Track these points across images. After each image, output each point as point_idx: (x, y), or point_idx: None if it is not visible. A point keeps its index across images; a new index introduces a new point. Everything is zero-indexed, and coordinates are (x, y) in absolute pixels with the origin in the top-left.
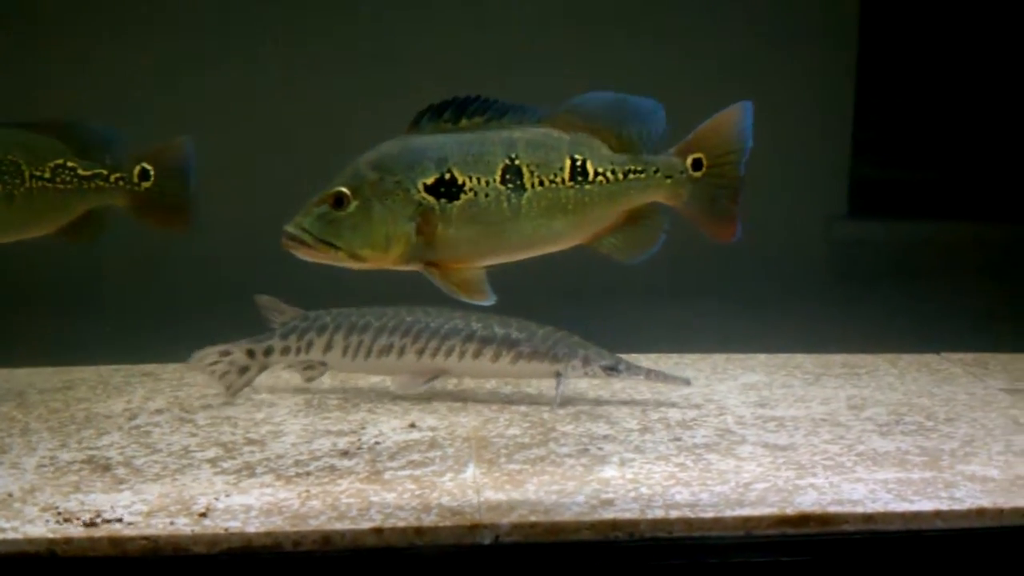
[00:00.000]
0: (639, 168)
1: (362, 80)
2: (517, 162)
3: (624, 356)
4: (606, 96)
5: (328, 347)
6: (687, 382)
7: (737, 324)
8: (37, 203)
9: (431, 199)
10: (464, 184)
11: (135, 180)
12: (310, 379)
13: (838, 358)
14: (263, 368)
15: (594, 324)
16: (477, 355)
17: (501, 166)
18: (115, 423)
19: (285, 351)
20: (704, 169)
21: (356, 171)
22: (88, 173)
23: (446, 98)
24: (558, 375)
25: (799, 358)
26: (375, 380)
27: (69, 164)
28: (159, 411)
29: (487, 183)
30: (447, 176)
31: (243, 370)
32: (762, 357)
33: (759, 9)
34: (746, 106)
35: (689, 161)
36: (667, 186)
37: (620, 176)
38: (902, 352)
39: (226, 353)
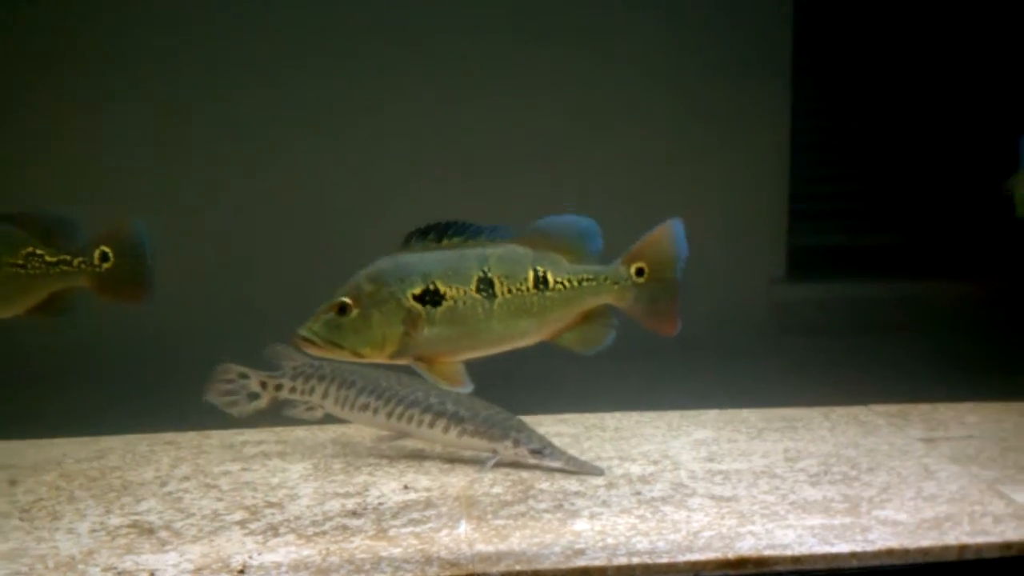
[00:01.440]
0: (591, 277)
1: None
2: (489, 274)
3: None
4: (563, 219)
5: (325, 394)
6: (601, 472)
7: (690, 381)
8: (10, 288)
9: (418, 306)
10: (445, 293)
11: (96, 262)
12: (309, 417)
13: (779, 412)
14: (271, 400)
15: (565, 382)
16: (431, 425)
17: (476, 278)
18: (149, 490)
19: (292, 390)
20: (646, 276)
21: (356, 284)
22: (54, 259)
23: (430, 223)
24: (493, 452)
25: (744, 413)
26: (371, 444)
27: (37, 251)
28: (186, 478)
29: (464, 292)
30: (431, 287)
31: (253, 396)
32: (712, 413)
33: (698, 89)
34: (677, 222)
35: (633, 269)
36: (615, 291)
37: (576, 284)
38: (835, 405)
39: (244, 375)
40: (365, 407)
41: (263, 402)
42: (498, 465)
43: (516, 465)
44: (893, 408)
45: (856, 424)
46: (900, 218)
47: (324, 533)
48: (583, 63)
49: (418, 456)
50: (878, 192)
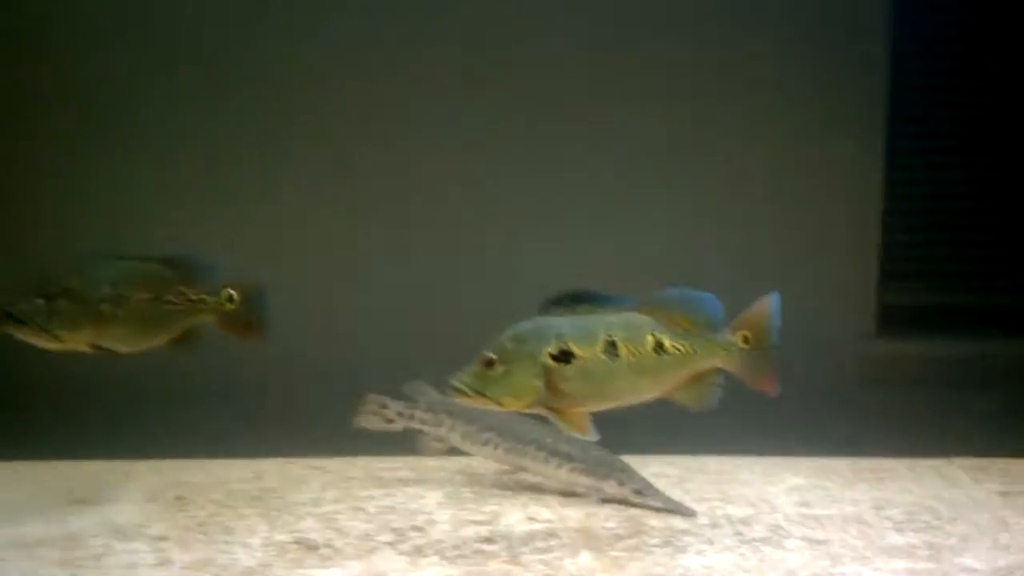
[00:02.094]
0: (702, 343)
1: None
2: (614, 338)
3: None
4: (680, 292)
5: (452, 428)
6: (694, 513)
7: (785, 429)
8: (161, 321)
9: (553, 364)
10: (576, 353)
11: (223, 302)
12: (436, 451)
13: (867, 462)
14: (404, 428)
15: (671, 426)
16: (545, 462)
17: (602, 341)
18: (305, 510)
19: (423, 421)
20: (749, 343)
21: (501, 343)
22: (196, 298)
23: (565, 292)
24: (599, 489)
25: (835, 462)
26: (494, 477)
27: (183, 290)
28: (337, 500)
29: (592, 353)
30: (564, 348)
31: (388, 422)
32: (805, 461)
33: (792, 145)
34: (775, 296)
35: (739, 337)
36: (724, 356)
37: (689, 349)
38: (920, 457)
39: (383, 405)
40: (487, 442)
41: (397, 427)
42: (605, 501)
43: (622, 503)
44: (973, 462)
45: (939, 476)
46: (989, 278)
47: (464, 556)
48: (677, 125)
49: (537, 490)
50: (968, 253)
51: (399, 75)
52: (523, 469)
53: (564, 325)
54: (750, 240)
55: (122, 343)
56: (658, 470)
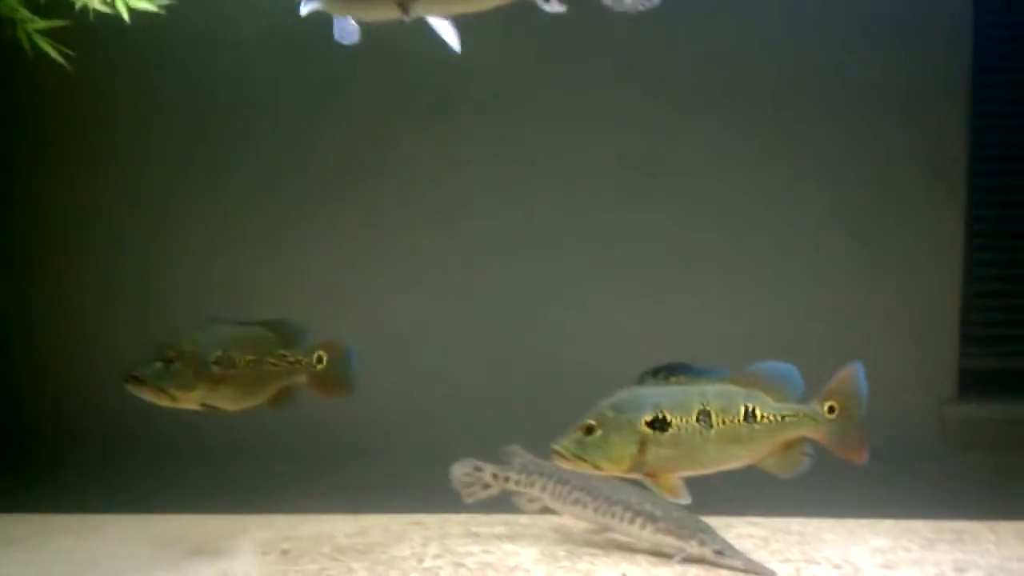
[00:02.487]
0: (792, 413)
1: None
2: (707, 408)
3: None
4: (771, 365)
5: (544, 488)
6: (774, 574)
7: (867, 491)
8: (263, 380)
9: (648, 431)
10: (671, 422)
11: (315, 364)
12: (530, 510)
13: (948, 524)
14: (500, 490)
15: (756, 487)
16: (631, 521)
17: (696, 410)
18: (409, 564)
19: (517, 483)
20: (836, 413)
21: (600, 411)
22: (292, 359)
23: (661, 364)
24: (682, 548)
25: (916, 524)
26: (585, 535)
27: (281, 352)
28: (438, 555)
29: (687, 421)
30: (660, 416)
31: (485, 487)
32: (887, 522)
33: (873, 213)
34: (859, 366)
35: (826, 407)
36: (812, 426)
37: (779, 419)
38: (999, 520)
39: (479, 468)
40: (576, 502)
41: (493, 491)
42: (688, 561)
43: (704, 563)
44: None
45: (1020, 539)
46: None
47: None
48: (765, 199)
49: (626, 548)
50: None
51: (496, 146)
52: (610, 528)
53: (660, 395)
54: (835, 307)
55: (229, 402)
56: (743, 531)
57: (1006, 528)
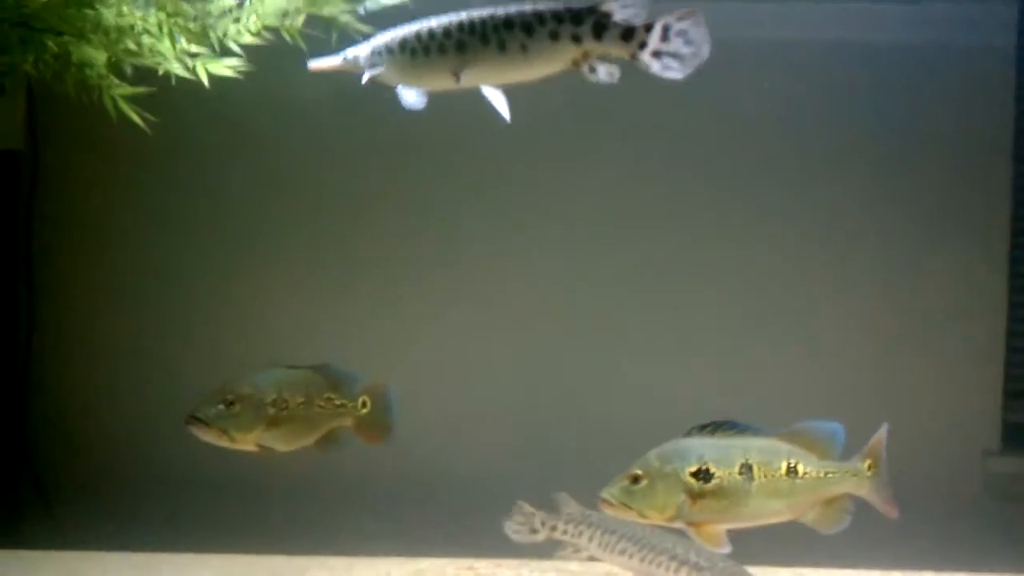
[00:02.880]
0: (834, 470)
1: None
2: (750, 462)
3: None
4: (815, 423)
5: (591, 538)
6: None
7: (909, 542)
8: (313, 423)
9: (693, 481)
10: (715, 473)
11: (359, 408)
12: (575, 558)
13: None
14: (547, 537)
15: (800, 537)
16: (676, 571)
17: (739, 463)
18: None
19: (564, 532)
20: (872, 471)
21: (647, 460)
22: (339, 403)
23: (710, 421)
24: None
25: None
26: None
27: (330, 396)
28: None
29: (730, 473)
30: (704, 468)
31: (532, 532)
32: (928, 575)
33: (917, 266)
34: (885, 427)
35: (866, 464)
36: (854, 482)
37: (822, 475)
38: None
39: (531, 515)
40: (623, 551)
41: (540, 537)
42: None
43: None
44: None
45: None
46: None
47: None
48: (806, 253)
49: None
50: None
51: (541, 187)
52: None
53: (706, 446)
54: (882, 360)
55: (282, 443)
56: None
57: None
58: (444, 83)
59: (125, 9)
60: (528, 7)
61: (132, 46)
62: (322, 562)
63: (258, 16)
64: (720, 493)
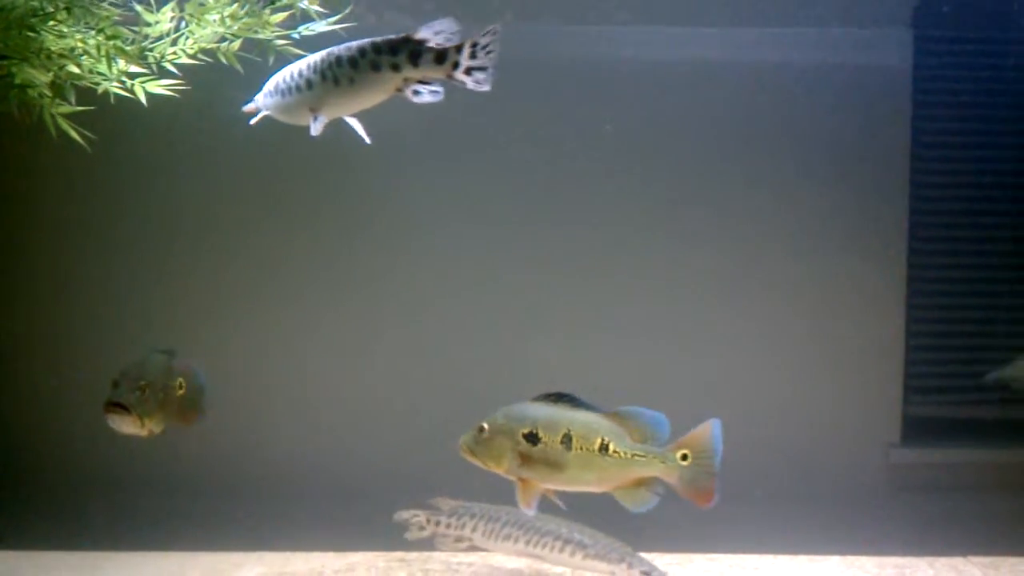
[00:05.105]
0: (643, 454)
1: None
2: (572, 433)
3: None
4: (638, 409)
5: (474, 529)
6: None
7: (818, 528)
8: (171, 405)
9: (524, 442)
10: (541, 438)
11: (177, 390)
12: (459, 548)
13: (891, 560)
14: (432, 533)
15: (712, 525)
16: (561, 550)
17: (563, 433)
18: None
19: (448, 525)
20: (689, 460)
21: (494, 417)
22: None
23: (554, 392)
24: (612, 573)
25: (862, 560)
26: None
27: (180, 380)
28: None
29: (553, 441)
30: (534, 432)
31: (421, 528)
32: (835, 559)
33: (819, 262)
34: (717, 423)
35: (679, 454)
36: (662, 468)
37: (630, 456)
38: (938, 556)
39: (416, 515)
40: (508, 537)
41: (427, 533)
42: None
43: None
44: (986, 560)
45: (955, 572)
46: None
47: None
48: (713, 245)
49: None
50: (984, 369)
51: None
52: (542, 559)
53: (541, 413)
54: (787, 355)
55: (159, 426)
56: (701, 566)
57: (943, 563)
58: (308, 118)
59: (66, 29)
60: (355, 43)
61: (73, 68)
62: (258, 557)
63: (195, 40)
64: (543, 457)
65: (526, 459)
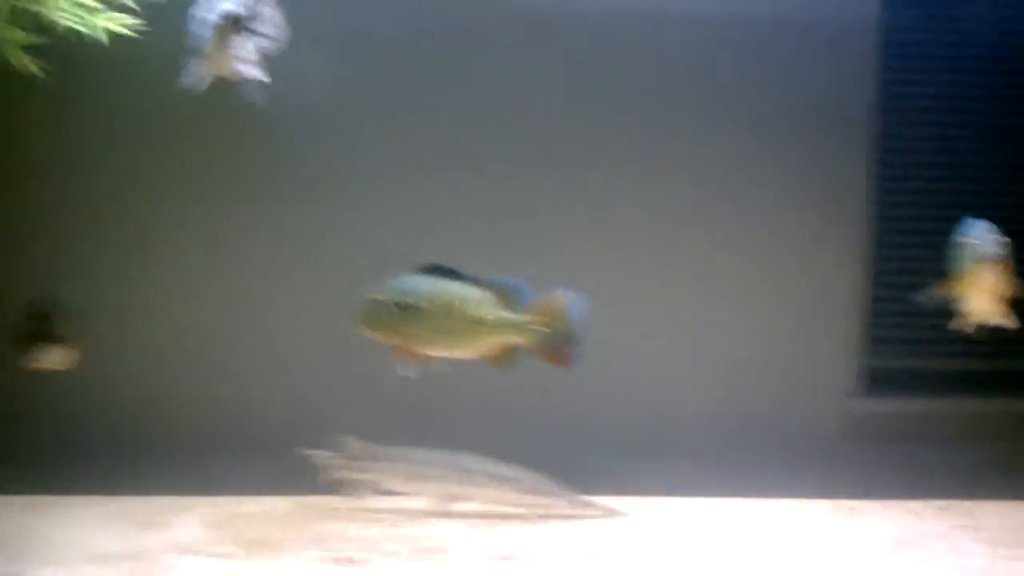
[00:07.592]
0: (504, 320)
1: None
2: (445, 301)
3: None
4: (502, 278)
5: (393, 472)
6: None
7: (773, 474)
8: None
9: (400, 310)
10: (416, 304)
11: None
12: (376, 493)
13: (846, 503)
14: (346, 476)
15: (669, 467)
16: (486, 486)
17: (439, 302)
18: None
19: (363, 470)
20: (549, 327)
21: (379, 286)
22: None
23: (438, 264)
24: (545, 506)
25: (820, 503)
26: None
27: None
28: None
29: (429, 308)
30: (412, 300)
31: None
32: (789, 502)
33: (778, 207)
34: (578, 296)
35: (533, 320)
36: (516, 332)
37: (491, 322)
38: (892, 499)
39: (332, 457)
40: (432, 477)
41: (342, 478)
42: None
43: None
44: (941, 503)
45: (908, 514)
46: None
47: None
48: (675, 192)
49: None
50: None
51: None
52: (467, 498)
53: (421, 284)
54: (748, 302)
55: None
56: (654, 508)
57: (895, 506)
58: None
59: None
60: None
61: None
62: (212, 501)
63: None
64: (418, 323)
65: (402, 327)
